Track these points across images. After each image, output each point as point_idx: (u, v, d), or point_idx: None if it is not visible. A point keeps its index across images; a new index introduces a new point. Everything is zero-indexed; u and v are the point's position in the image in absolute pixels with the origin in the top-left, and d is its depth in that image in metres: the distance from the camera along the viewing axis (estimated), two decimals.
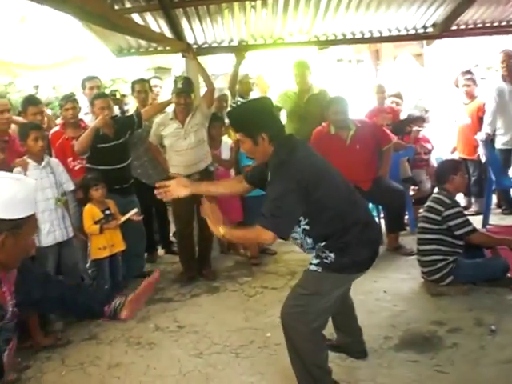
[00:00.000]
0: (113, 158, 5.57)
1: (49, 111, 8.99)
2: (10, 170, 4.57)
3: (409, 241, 6.02)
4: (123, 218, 5.23)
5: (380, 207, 6.53)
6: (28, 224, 2.10)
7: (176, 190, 3.49)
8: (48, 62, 9.85)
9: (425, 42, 9.92)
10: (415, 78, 9.38)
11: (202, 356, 4.19)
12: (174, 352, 4.30)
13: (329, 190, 3.16)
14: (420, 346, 3.96)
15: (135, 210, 5.30)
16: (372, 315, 4.52)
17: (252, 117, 3.24)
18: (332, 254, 3.20)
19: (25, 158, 4.72)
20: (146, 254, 6.43)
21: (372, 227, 3.42)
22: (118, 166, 5.61)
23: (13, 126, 5.32)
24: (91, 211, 5.15)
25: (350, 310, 3.90)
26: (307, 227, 3.22)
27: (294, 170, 3.06)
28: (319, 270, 3.28)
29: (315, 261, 3.31)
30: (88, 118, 6.00)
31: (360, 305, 4.72)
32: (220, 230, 3.16)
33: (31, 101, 5.62)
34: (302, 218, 3.18)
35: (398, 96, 7.76)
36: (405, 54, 10.17)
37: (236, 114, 3.51)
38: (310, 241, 3.29)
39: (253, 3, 5.89)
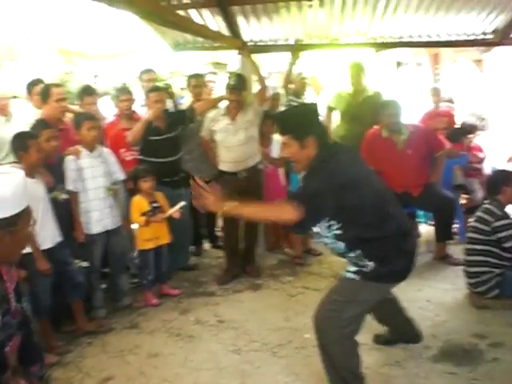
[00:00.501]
0: (164, 150, 5.65)
1: (107, 100, 9.19)
2: (63, 158, 4.70)
3: (457, 250, 5.89)
4: (169, 212, 5.29)
5: (429, 214, 6.42)
6: (22, 218, 2.00)
7: (213, 204, 3.16)
8: (107, 53, 10.06)
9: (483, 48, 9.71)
10: (473, 85, 9.19)
11: (239, 352, 4.22)
12: (212, 346, 4.34)
13: (365, 197, 3.12)
14: (459, 359, 3.89)
15: (182, 203, 5.35)
16: None
17: (301, 120, 3.24)
18: (371, 263, 3.17)
19: (78, 146, 4.83)
20: (191, 247, 6.50)
21: (411, 238, 3.38)
22: (169, 159, 5.68)
23: (69, 114, 5.43)
24: (139, 203, 5.23)
25: (393, 305, 3.91)
26: (339, 232, 3.19)
27: (331, 172, 3.06)
28: (357, 279, 3.24)
29: (353, 268, 3.27)
30: (144, 110, 6.09)
31: None
32: (223, 207, 3.09)
33: (87, 91, 5.76)
34: (334, 222, 3.17)
35: (450, 101, 7.62)
36: (464, 60, 9.97)
37: (285, 116, 3.49)
38: (342, 246, 3.24)
39: (310, 2, 5.87)
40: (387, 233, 3.17)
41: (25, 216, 2.01)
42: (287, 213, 3.02)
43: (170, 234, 5.42)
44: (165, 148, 5.65)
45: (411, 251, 3.36)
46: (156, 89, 5.82)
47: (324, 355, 3.32)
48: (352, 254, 3.22)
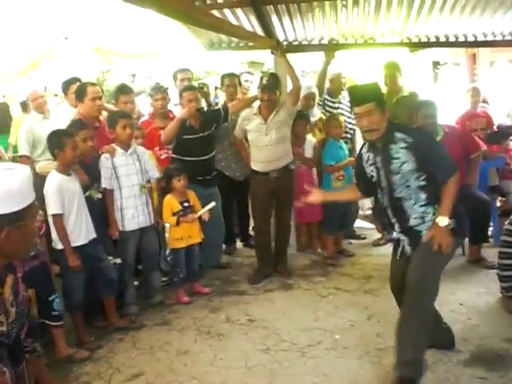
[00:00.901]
0: (197, 149, 5.69)
1: (144, 98, 9.30)
2: (99, 156, 4.77)
3: (492, 254, 5.79)
4: (199, 213, 5.33)
5: None
6: (29, 212, 1.99)
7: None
8: (144, 52, 10.13)
9: None
10: (511, 85, 9.01)
11: (268, 352, 4.22)
12: (241, 345, 4.35)
13: None
14: (490, 363, 3.82)
15: (213, 204, 5.39)
16: None
17: (379, 89, 3.69)
18: (451, 220, 3.44)
19: (113, 144, 4.90)
20: (224, 246, 6.54)
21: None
22: (203, 158, 5.72)
23: (104, 113, 5.50)
24: (170, 202, 5.28)
25: None
26: (424, 183, 3.49)
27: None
28: None
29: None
30: (177, 109, 6.14)
31: None
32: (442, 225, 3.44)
33: (123, 90, 5.82)
34: (421, 173, 3.47)
35: (485, 102, 7.50)
36: (502, 61, 9.79)
37: (371, 86, 3.69)
38: (423, 196, 3.51)
39: (344, 2, 5.83)
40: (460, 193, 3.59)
41: (31, 211, 2.01)
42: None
43: (201, 232, 5.46)
44: (198, 147, 5.69)
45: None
46: (190, 88, 5.87)
47: (416, 318, 3.49)
48: (429, 209, 3.52)
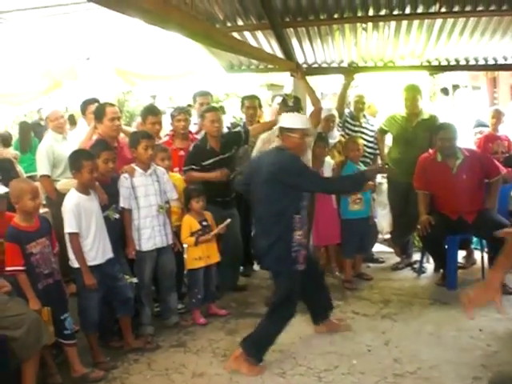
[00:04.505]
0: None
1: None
2: (118, 177, 4.79)
3: None
4: (216, 230, 5.32)
5: (484, 242, 6.26)
6: None
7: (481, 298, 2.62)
8: (164, 74, 10.23)
9: None
10: None
11: (284, 376, 4.17)
12: None
13: None
14: None
15: (229, 220, 5.38)
16: (464, 353, 4.34)
17: None
18: None
19: (133, 165, 4.92)
20: (241, 268, 6.51)
21: None
22: (222, 180, 5.72)
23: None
24: (189, 222, 5.28)
25: None
26: None
27: None
28: None
29: None
30: (194, 129, 6.18)
31: (452, 341, 4.60)
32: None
33: (152, 110, 5.86)
34: None
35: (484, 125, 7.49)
36: None
37: None
38: None
39: (364, 25, 5.87)
40: None
41: None
42: None
43: (219, 253, 5.45)
44: (218, 168, 5.68)
45: None
46: (213, 109, 5.85)
47: None
48: None
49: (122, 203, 4.78)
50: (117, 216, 4.71)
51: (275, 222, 4.27)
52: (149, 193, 4.92)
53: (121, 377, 4.26)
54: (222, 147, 5.72)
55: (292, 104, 5.60)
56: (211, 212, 5.51)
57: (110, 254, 4.46)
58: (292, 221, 4.25)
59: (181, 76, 10.22)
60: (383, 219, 7.36)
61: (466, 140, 6.98)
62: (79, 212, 4.24)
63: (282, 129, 4.46)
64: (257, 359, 4.29)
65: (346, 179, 5.18)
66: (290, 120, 4.47)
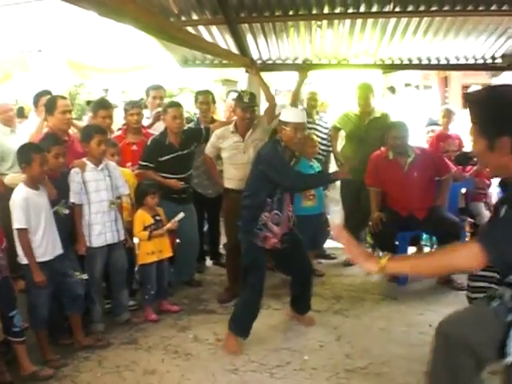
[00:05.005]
0: (176, 167, 5.64)
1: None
2: (68, 171, 4.70)
3: (461, 275, 5.84)
4: (169, 224, 5.30)
5: (434, 238, 6.39)
6: None
7: (364, 260, 2.38)
8: (118, 67, 10.09)
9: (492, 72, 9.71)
10: None
11: (236, 372, 4.16)
12: (209, 365, 4.29)
13: None
14: None
15: (181, 215, 5.35)
16: (414, 348, 4.40)
17: (498, 109, 2.18)
18: None
19: (84, 159, 4.83)
20: None
21: None
22: (180, 176, 5.68)
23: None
24: (142, 217, 5.23)
25: None
26: None
27: None
28: None
29: None
30: (146, 123, 6.18)
31: (403, 337, 4.67)
32: (379, 264, 2.28)
33: (102, 104, 5.76)
34: None
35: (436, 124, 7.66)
36: (477, 87, 9.94)
37: (480, 97, 2.31)
38: None
39: (318, 23, 5.90)
40: None
41: None
42: (471, 259, 2.15)
43: (172, 247, 5.44)
44: (177, 165, 5.64)
45: None
46: (175, 104, 5.77)
47: None
48: None
49: (73, 198, 4.68)
50: (66, 211, 4.61)
51: (250, 200, 4.65)
52: (100, 188, 4.83)
53: (71, 375, 4.17)
54: (181, 143, 5.68)
55: (247, 100, 5.59)
56: (167, 208, 5.50)
57: (59, 250, 4.37)
58: (263, 202, 4.57)
59: (134, 69, 10.09)
60: (335, 216, 7.42)
61: (418, 138, 7.09)
62: (28, 207, 4.13)
63: (279, 121, 4.70)
64: (238, 334, 4.55)
65: (315, 178, 5.38)
66: (285, 113, 4.70)
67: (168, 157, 5.60)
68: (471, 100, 2.28)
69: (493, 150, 2.16)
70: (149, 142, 5.67)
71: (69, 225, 4.67)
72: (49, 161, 4.29)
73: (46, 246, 4.24)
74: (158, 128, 6.10)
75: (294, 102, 6.99)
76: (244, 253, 4.73)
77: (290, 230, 4.81)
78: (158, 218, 5.30)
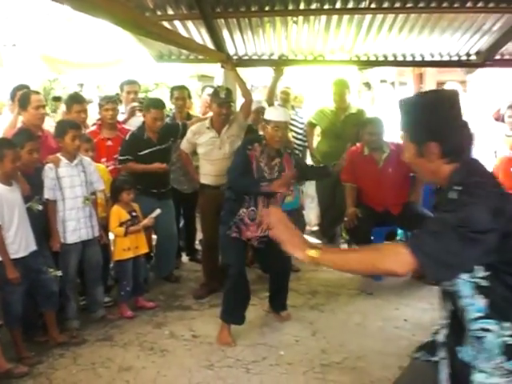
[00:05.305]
0: (154, 162, 5.61)
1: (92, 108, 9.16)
2: (42, 167, 4.65)
3: None
4: (145, 221, 5.28)
5: (409, 234, 6.43)
6: None
7: (293, 245, 2.12)
8: (92, 62, 10.02)
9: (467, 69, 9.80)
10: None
11: (212, 368, 4.16)
12: (185, 361, 4.29)
13: None
14: None
15: (158, 211, 5.34)
16: (389, 343, 4.45)
17: (423, 115, 2.14)
18: None
19: (58, 154, 4.78)
20: None
21: None
22: (158, 171, 5.67)
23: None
24: (118, 212, 5.19)
25: None
26: (486, 283, 2.00)
27: (493, 197, 1.98)
28: None
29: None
30: (121, 118, 6.14)
31: (378, 331, 4.71)
32: (308, 254, 2.07)
33: (76, 98, 5.72)
34: (481, 266, 2.01)
35: None
36: (452, 83, 10.00)
37: (407, 104, 2.26)
38: (481, 305, 2.02)
39: (294, 18, 5.90)
40: None
41: None
42: (398, 264, 1.97)
43: (149, 243, 5.43)
44: (155, 159, 5.60)
45: None
46: (158, 106, 5.68)
47: None
48: (492, 328, 2.02)
49: (47, 194, 4.64)
50: (40, 207, 4.56)
51: (230, 192, 4.82)
52: (74, 184, 4.79)
53: (46, 372, 4.14)
54: (159, 138, 5.68)
55: (223, 96, 5.58)
56: (146, 203, 5.50)
57: (33, 247, 4.32)
58: (242, 198, 4.71)
59: (109, 64, 10.03)
60: (311, 211, 7.45)
61: (393, 134, 7.12)
62: (1, 203, 4.08)
63: (263, 119, 4.82)
64: (232, 322, 4.65)
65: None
66: (268, 112, 4.85)
67: (146, 151, 5.60)
68: (400, 107, 2.25)
69: (422, 155, 2.14)
70: (127, 137, 5.66)
71: (43, 221, 4.62)
72: (22, 156, 4.24)
73: (20, 242, 4.19)
74: (133, 123, 6.08)
75: (270, 98, 7.00)
76: (221, 244, 4.86)
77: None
78: (134, 213, 5.27)
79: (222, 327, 4.64)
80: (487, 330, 2.01)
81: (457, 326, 2.12)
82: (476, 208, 1.89)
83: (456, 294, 2.06)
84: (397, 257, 1.96)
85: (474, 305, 2.01)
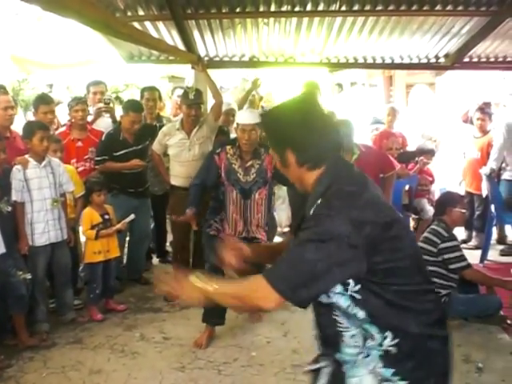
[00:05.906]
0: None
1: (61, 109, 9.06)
2: (10, 168, 4.59)
3: None
4: (118, 225, 5.24)
5: None
6: None
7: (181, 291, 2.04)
8: (62, 62, 9.90)
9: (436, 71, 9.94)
10: (427, 108, 9.33)
11: (184, 370, 4.16)
12: (156, 363, 4.27)
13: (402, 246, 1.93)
14: None
15: (132, 217, 5.31)
16: None
17: (276, 123, 2.10)
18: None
19: (26, 156, 4.73)
20: None
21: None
22: (135, 171, 5.69)
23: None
24: (90, 215, 5.15)
25: None
26: (359, 296, 1.88)
27: (353, 207, 1.86)
28: None
29: None
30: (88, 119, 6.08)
31: None
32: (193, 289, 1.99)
33: (43, 99, 5.65)
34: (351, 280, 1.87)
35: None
36: (421, 85, 10.12)
37: (265, 115, 2.34)
38: (360, 316, 1.89)
39: (265, 20, 5.92)
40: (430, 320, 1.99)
41: None
42: (259, 297, 1.87)
43: (118, 247, 5.39)
44: (131, 159, 5.63)
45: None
46: (138, 110, 5.70)
47: None
48: (373, 336, 1.91)
49: (14, 196, 4.58)
50: (9, 209, 4.51)
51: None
52: (42, 185, 4.75)
53: (16, 375, 4.10)
54: (135, 139, 5.69)
55: (193, 97, 5.57)
56: (123, 202, 5.54)
57: (1, 249, 4.27)
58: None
59: (79, 65, 9.92)
60: (282, 213, 7.47)
61: (363, 136, 7.19)
62: None
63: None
64: (214, 324, 4.65)
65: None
66: (238, 114, 5.04)
67: (122, 152, 5.61)
68: (261, 120, 2.25)
69: (286, 165, 2.07)
70: (103, 137, 5.68)
71: (12, 223, 4.57)
72: None
73: None
74: (100, 124, 6.05)
75: (241, 104, 7.01)
76: (204, 241, 4.85)
77: (251, 236, 4.76)
78: (106, 216, 5.23)
79: (205, 330, 4.62)
80: (367, 338, 1.92)
81: (333, 334, 2.03)
82: (331, 221, 1.81)
83: (333, 306, 1.95)
84: (258, 292, 1.85)
85: (354, 315, 1.90)
